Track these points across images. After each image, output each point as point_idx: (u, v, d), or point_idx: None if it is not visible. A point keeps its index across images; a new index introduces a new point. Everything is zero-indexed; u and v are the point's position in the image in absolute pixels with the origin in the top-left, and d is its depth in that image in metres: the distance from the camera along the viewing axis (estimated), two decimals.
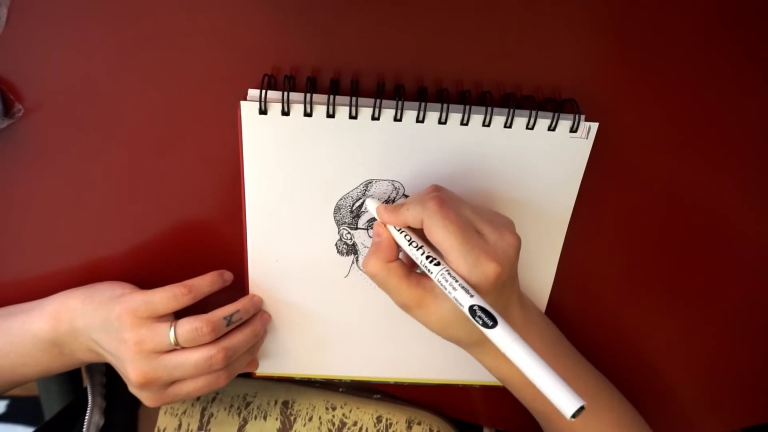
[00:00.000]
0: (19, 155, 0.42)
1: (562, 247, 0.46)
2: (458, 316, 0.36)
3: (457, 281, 0.35)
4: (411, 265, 0.40)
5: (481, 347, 0.41)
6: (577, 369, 0.46)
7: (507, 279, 0.37)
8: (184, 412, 0.50)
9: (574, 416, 0.30)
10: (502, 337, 0.33)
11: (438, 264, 0.36)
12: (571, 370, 0.45)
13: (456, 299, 0.34)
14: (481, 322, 0.33)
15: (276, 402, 0.51)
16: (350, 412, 0.51)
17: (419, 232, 0.38)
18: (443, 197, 0.37)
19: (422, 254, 0.37)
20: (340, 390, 0.53)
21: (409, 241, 0.38)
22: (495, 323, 0.33)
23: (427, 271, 0.36)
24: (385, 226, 0.39)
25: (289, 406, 0.51)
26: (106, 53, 0.39)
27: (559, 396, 0.30)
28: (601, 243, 0.47)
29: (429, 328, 0.39)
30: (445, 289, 0.35)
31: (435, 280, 0.36)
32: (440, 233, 0.35)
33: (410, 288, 0.38)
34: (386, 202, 0.43)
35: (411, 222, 0.37)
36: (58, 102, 0.40)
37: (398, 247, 0.39)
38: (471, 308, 0.34)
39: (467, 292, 0.34)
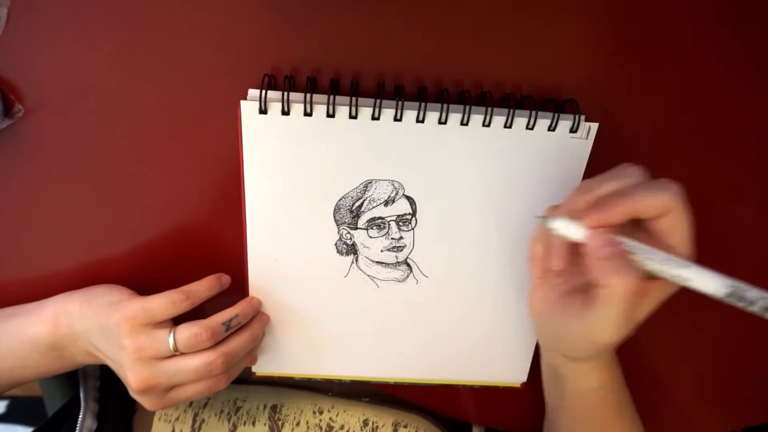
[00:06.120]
0: (19, 155, 0.42)
1: None
2: (607, 324, 0.34)
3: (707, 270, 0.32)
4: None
5: (586, 362, 0.41)
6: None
7: None
8: (177, 419, 0.50)
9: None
10: None
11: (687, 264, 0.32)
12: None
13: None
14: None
15: (265, 407, 0.51)
16: (337, 415, 0.51)
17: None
18: None
19: (665, 253, 0.33)
20: (329, 394, 0.53)
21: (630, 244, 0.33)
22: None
23: (671, 275, 0.32)
24: (606, 237, 0.32)
25: (278, 410, 0.51)
26: (106, 54, 0.39)
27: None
28: None
29: (576, 347, 0.38)
30: (714, 283, 0.32)
31: (691, 277, 0.32)
32: (687, 223, 0.32)
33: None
34: (386, 202, 0.43)
35: (651, 210, 0.32)
36: (58, 102, 0.40)
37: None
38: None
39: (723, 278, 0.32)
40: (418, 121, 0.40)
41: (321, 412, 0.51)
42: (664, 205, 0.32)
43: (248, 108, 0.39)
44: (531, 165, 0.42)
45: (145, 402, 0.42)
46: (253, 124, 0.39)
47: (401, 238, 0.44)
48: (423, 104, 0.39)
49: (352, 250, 0.45)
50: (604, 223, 0.32)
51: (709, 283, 0.31)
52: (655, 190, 0.32)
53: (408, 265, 0.46)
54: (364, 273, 0.46)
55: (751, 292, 0.31)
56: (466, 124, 0.40)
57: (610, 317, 0.33)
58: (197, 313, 0.42)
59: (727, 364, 0.54)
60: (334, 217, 0.43)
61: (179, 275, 0.43)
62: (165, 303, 0.41)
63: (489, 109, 0.39)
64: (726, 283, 0.31)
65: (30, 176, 0.42)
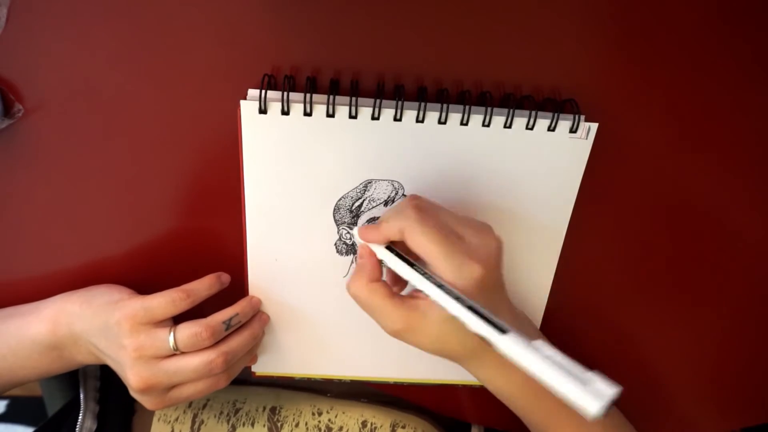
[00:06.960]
0: (19, 155, 0.42)
1: (561, 247, 0.46)
2: (452, 328, 0.35)
3: (451, 292, 0.34)
4: (396, 287, 0.39)
5: (475, 359, 0.40)
6: None
7: (493, 283, 0.36)
8: (176, 419, 0.50)
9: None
10: (510, 342, 0.31)
11: (428, 276, 0.35)
12: None
13: (456, 310, 0.33)
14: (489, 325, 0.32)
15: (264, 408, 0.51)
16: (336, 416, 0.51)
17: (404, 251, 0.37)
18: (421, 205, 0.37)
19: (411, 268, 0.36)
20: (328, 395, 0.53)
21: (396, 258, 0.37)
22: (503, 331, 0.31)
23: (419, 285, 0.35)
24: (369, 247, 0.38)
25: (277, 412, 0.51)
26: (106, 54, 0.39)
27: (580, 396, 0.28)
28: (601, 243, 0.47)
29: (423, 349, 0.38)
30: (440, 300, 0.34)
31: (429, 293, 0.35)
32: (422, 240, 0.35)
33: (396, 309, 0.36)
34: (386, 202, 0.43)
35: (392, 235, 0.37)
36: (58, 102, 0.40)
37: (382, 269, 0.38)
38: (472, 309, 0.33)
39: (463, 302, 0.33)
40: (418, 121, 0.40)
41: (320, 414, 0.51)
42: (393, 229, 0.36)
43: (248, 108, 0.39)
44: (531, 165, 0.42)
45: (146, 401, 0.42)
46: (253, 124, 0.39)
47: None
48: (423, 104, 0.39)
49: (351, 250, 0.45)
50: (369, 239, 0.38)
51: (441, 299, 0.34)
52: (389, 218, 0.37)
53: None
54: None
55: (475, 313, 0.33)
56: (466, 124, 0.40)
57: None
58: (197, 313, 0.42)
59: (727, 364, 0.54)
60: (334, 216, 0.43)
61: (179, 275, 0.43)
62: (165, 302, 0.41)
63: (489, 109, 0.40)
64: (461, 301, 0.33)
65: (30, 176, 0.42)
